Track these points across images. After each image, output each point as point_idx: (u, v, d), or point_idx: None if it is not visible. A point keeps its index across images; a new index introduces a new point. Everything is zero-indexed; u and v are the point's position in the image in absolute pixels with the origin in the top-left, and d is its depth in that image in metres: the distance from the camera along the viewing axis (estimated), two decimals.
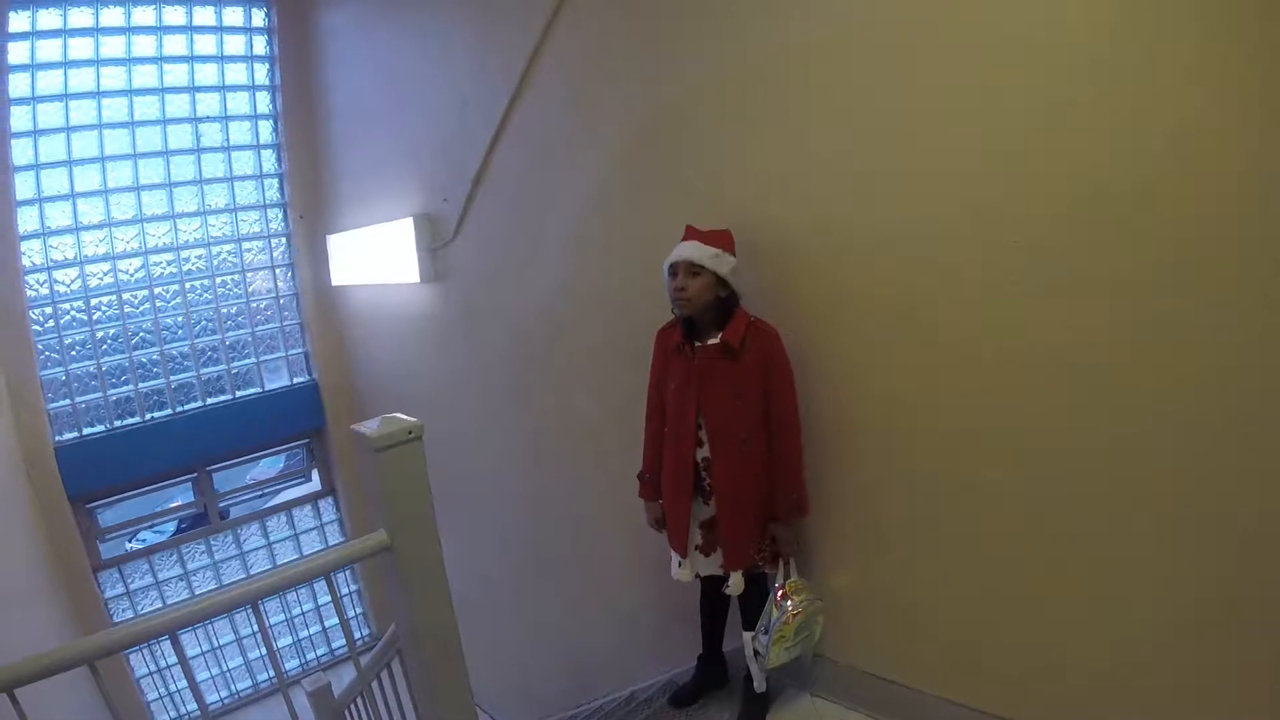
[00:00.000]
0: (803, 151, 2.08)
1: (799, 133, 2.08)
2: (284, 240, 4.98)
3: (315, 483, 5.50)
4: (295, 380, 5.13)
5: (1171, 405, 1.51)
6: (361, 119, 4.40)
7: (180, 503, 5.31)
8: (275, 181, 4.88)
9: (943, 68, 1.74)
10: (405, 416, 1.67)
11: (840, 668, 2.31)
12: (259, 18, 4.64)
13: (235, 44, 4.64)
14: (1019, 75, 1.62)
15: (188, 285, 4.74)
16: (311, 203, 4.88)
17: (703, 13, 2.26)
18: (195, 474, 5.08)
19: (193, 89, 4.56)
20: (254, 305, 4.95)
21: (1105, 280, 1.56)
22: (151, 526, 6.06)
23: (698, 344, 2.12)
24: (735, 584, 2.16)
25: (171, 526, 6.22)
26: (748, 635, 2.21)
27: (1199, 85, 1.39)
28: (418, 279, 3.95)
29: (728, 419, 2.09)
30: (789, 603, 2.13)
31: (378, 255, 4.26)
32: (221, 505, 5.33)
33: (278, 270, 4.99)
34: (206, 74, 4.60)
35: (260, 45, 4.67)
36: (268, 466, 6.61)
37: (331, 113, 4.62)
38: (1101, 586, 1.70)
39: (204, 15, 4.55)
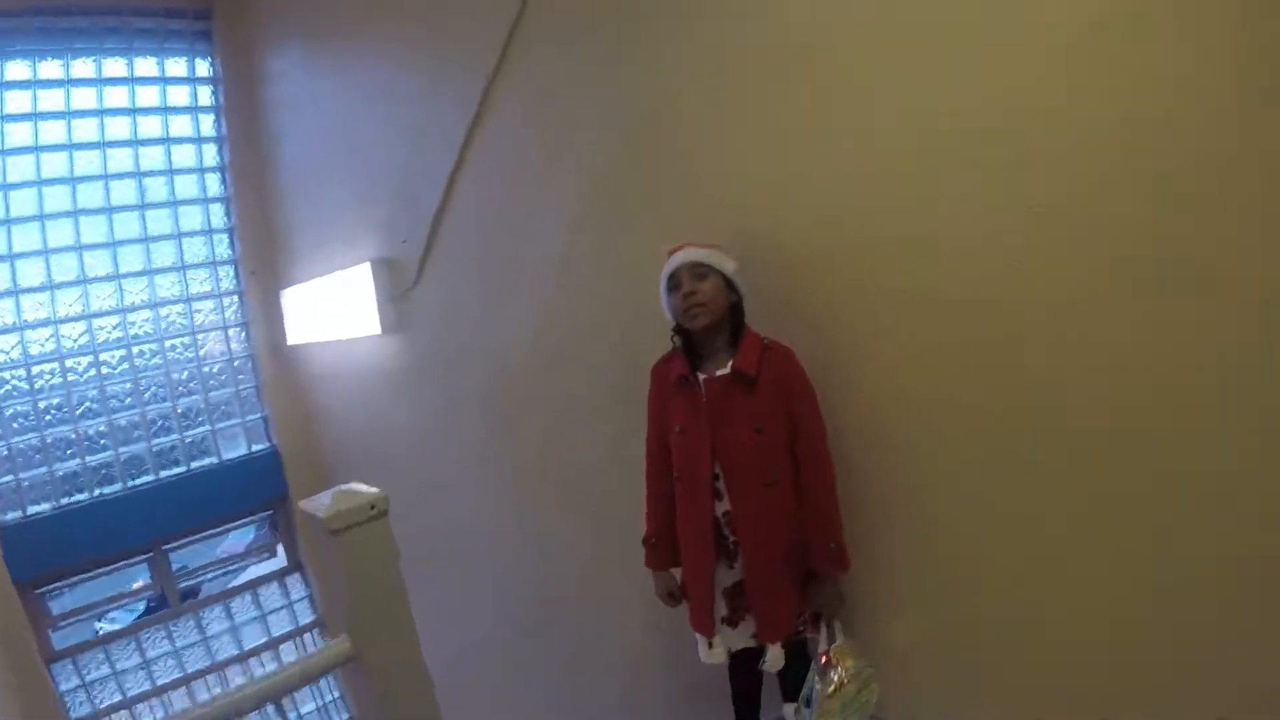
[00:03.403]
0: (801, 148, 1.92)
1: (797, 129, 1.93)
2: (236, 298, 4.73)
3: (281, 558, 5.18)
4: (254, 448, 4.85)
5: None
6: (312, 165, 4.22)
7: (143, 583, 5.02)
8: (225, 237, 4.66)
9: (945, 51, 1.63)
10: (364, 488, 1.39)
11: None
12: (203, 67, 4.48)
13: (179, 95, 4.47)
14: (1040, 61, 1.48)
15: (135, 350, 4.47)
16: (264, 257, 4.66)
17: (666, 15, 2.15)
18: (151, 553, 4.78)
19: (135, 142, 4.36)
20: (207, 369, 4.69)
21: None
22: (105, 613, 5.71)
23: (704, 375, 1.88)
24: (773, 659, 1.88)
25: (141, 606, 5.90)
26: (789, 709, 1.96)
27: None
28: (379, 330, 3.70)
29: (749, 460, 1.84)
30: (836, 672, 1.83)
31: (335, 308, 4.02)
32: (187, 584, 5.03)
33: (231, 331, 4.73)
34: (150, 127, 4.41)
35: (205, 96, 4.50)
36: (237, 539, 6.30)
37: (281, 162, 4.44)
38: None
39: (145, 66, 4.38)
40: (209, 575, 5.56)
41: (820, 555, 1.85)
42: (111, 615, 5.56)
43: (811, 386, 1.87)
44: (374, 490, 1.38)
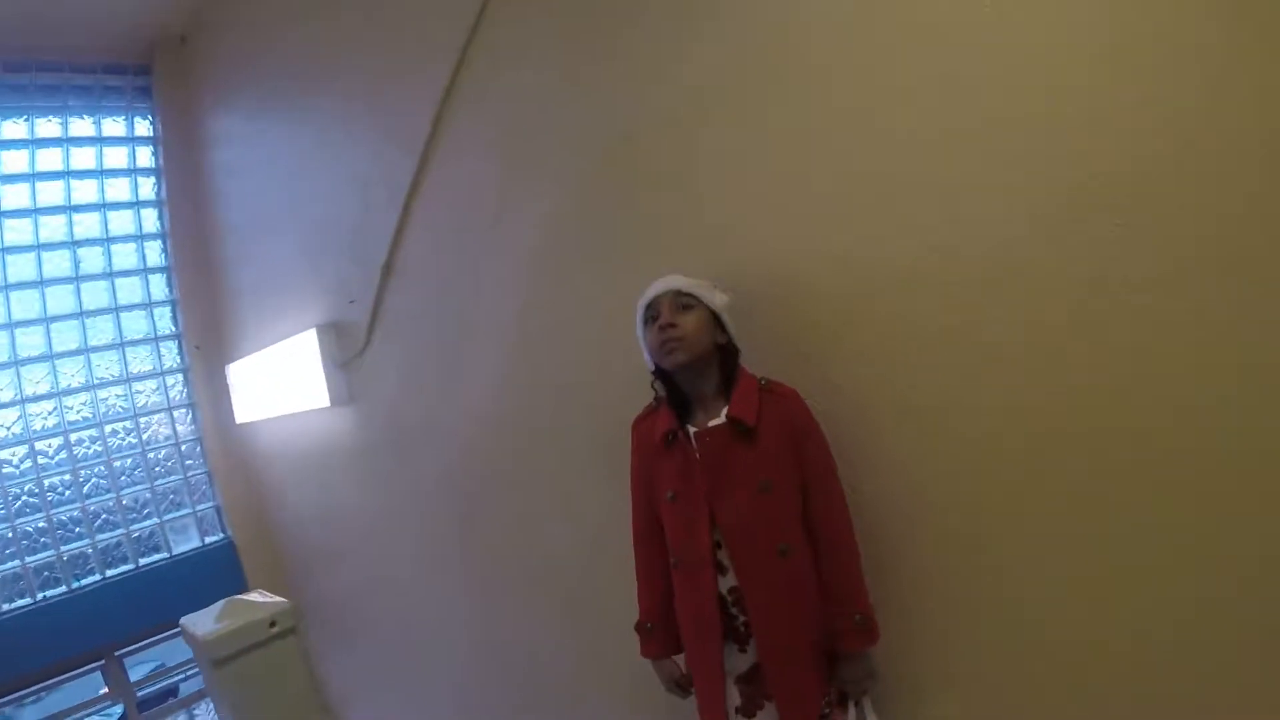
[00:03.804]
0: (806, 168, 1.69)
1: (798, 152, 1.70)
2: (180, 376, 4.32)
3: None
4: (207, 540, 4.39)
5: None
6: (257, 228, 3.90)
7: (107, 690, 4.59)
8: (167, 309, 4.25)
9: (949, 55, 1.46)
10: (265, 597, 1.06)
11: None
12: (142, 127, 4.13)
13: (116, 157, 4.11)
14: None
15: (73, 438, 4.06)
16: (209, 330, 4.27)
17: (635, 39, 1.97)
18: (104, 660, 4.33)
19: (69, 208, 4.00)
20: (152, 455, 4.25)
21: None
22: None
23: (694, 429, 1.63)
24: None
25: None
26: None
27: None
28: (328, 402, 3.36)
29: (756, 526, 1.57)
30: None
31: (281, 380, 3.66)
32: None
33: (175, 412, 4.31)
34: (85, 192, 4.05)
35: (144, 157, 4.14)
36: None
37: (224, 225, 4.12)
38: None
39: (81, 127, 4.04)
40: (179, 676, 5.14)
41: (846, 630, 1.58)
42: None
43: (822, 432, 1.62)
44: (277, 601, 0.96)
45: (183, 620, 0.99)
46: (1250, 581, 1.26)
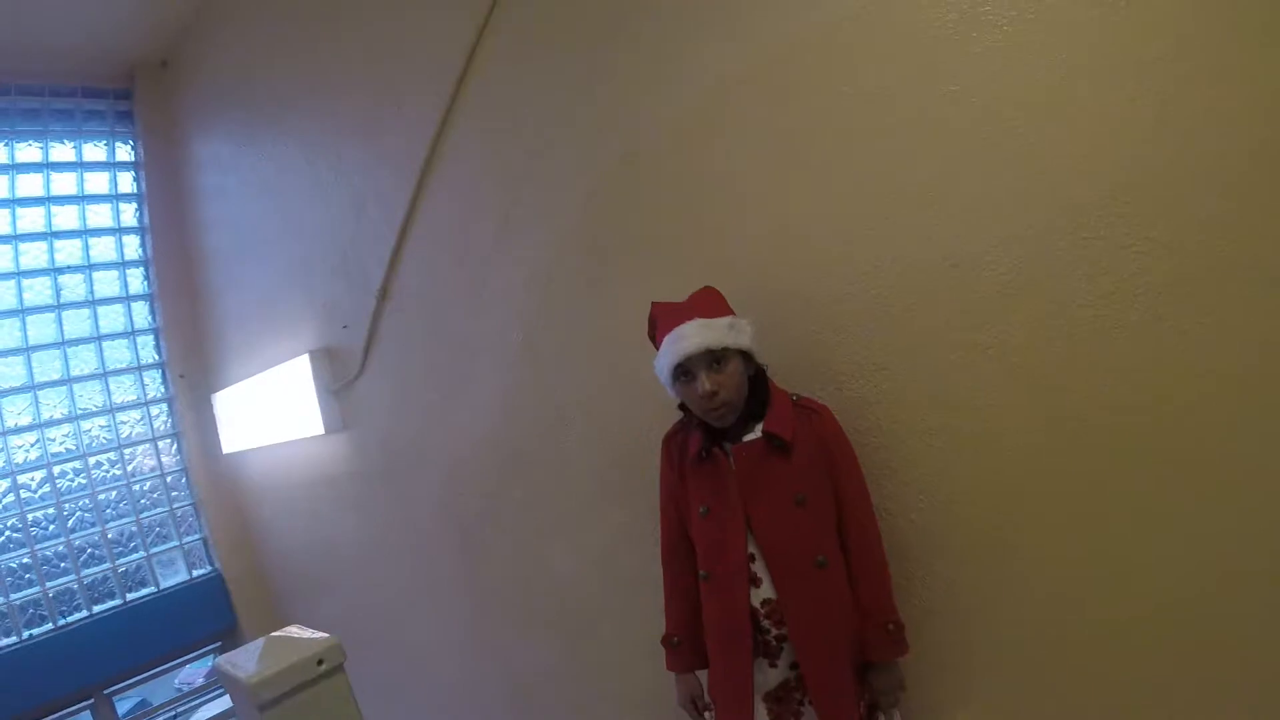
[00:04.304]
0: (827, 176, 1.68)
1: (819, 158, 1.69)
2: (165, 406, 4.21)
3: None
4: (195, 573, 4.28)
5: None
6: (244, 253, 3.81)
7: None
8: (150, 338, 4.16)
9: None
10: (307, 633, 0.99)
11: None
12: (124, 152, 4.05)
13: (98, 182, 4.02)
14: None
15: (56, 470, 3.95)
16: (194, 358, 4.18)
17: (640, 47, 1.95)
18: (93, 699, 4.22)
19: (50, 234, 3.91)
20: (137, 488, 4.14)
21: None
22: None
23: (730, 444, 1.64)
24: None
25: None
26: None
27: None
28: (322, 429, 3.27)
29: (793, 538, 1.59)
30: None
31: (272, 408, 3.58)
32: None
33: (160, 442, 4.20)
34: (66, 218, 3.96)
35: (126, 183, 4.05)
36: (195, 669, 5.73)
37: (210, 252, 4.03)
38: None
39: (62, 152, 3.95)
40: (170, 713, 5.04)
41: (879, 639, 1.61)
42: None
43: (851, 446, 1.65)
44: (320, 636, 0.83)
45: (219, 661, 0.90)
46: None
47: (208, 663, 5.62)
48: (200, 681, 5.45)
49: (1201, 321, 1.27)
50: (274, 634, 1.05)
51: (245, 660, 0.97)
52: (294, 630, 1.06)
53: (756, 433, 1.62)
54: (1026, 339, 1.46)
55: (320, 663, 0.97)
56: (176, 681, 5.70)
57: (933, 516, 1.66)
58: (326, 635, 1.01)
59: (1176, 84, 1.24)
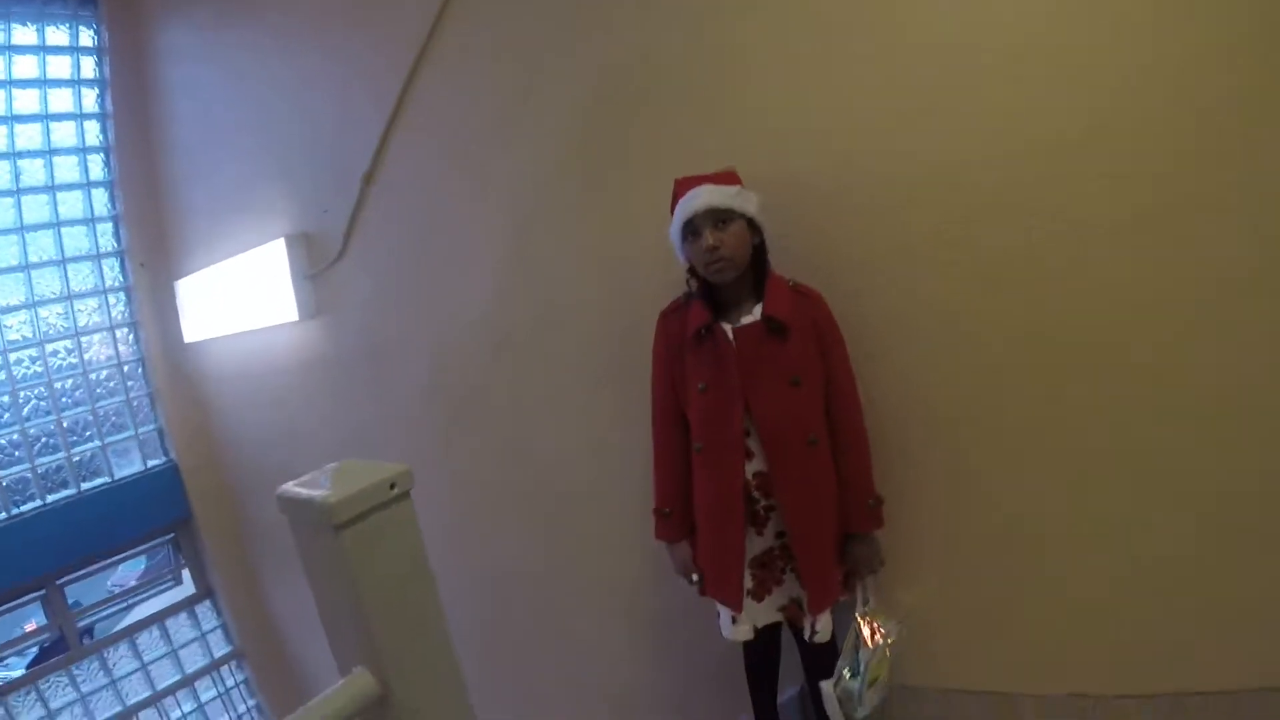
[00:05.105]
0: (813, 82, 1.81)
1: (816, 53, 1.80)
2: (123, 295, 4.24)
3: (189, 584, 4.65)
4: (150, 464, 4.33)
5: None
6: (213, 143, 3.80)
7: (35, 624, 4.47)
8: (109, 226, 4.17)
9: None
10: (372, 462, 1.02)
11: (925, 692, 1.94)
12: (87, 37, 4.02)
13: (60, 66, 3.99)
14: None
15: (12, 358, 3.96)
16: (155, 247, 4.19)
17: None
18: (44, 590, 4.25)
19: (10, 119, 3.89)
20: (93, 376, 4.17)
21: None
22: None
23: (729, 325, 1.74)
24: (825, 628, 1.80)
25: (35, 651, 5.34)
26: (826, 686, 1.77)
27: None
28: (296, 315, 3.29)
29: (789, 417, 1.71)
30: (877, 634, 1.78)
31: (242, 295, 3.59)
32: (85, 623, 4.49)
33: (118, 331, 4.24)
34: (27, 101, 3.94)
35: (89, 68, 4.03)
36: (126, 571, 5.72)
37: (175, 143, 4.01)
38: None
39: (24, 35, 3.92)
40: (112, 609, 5.03)
41: (860, 512, 1.76)
42: (7, 661, 5.04)
43: (840, 333, 1.77)
44: (393, 465, 0.97)
45: (284, 488, 0.98)
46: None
47: (140, 564, 5.60)
48: (133, 583, 5.47)
49: (1160, 250, 1.48)
50: (342, 462, 1.15)
51: (317, 484, 1.04)
52: (356, 461, 1.15)
53: (755, 314, 1.72)
54: (1003, 253, 1.65)
55: (392, 486, 1.06)
56: (109, 583, 5.71)
57: (906, 405, 1.82)
58: (395, 463, 1.10)
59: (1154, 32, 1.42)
